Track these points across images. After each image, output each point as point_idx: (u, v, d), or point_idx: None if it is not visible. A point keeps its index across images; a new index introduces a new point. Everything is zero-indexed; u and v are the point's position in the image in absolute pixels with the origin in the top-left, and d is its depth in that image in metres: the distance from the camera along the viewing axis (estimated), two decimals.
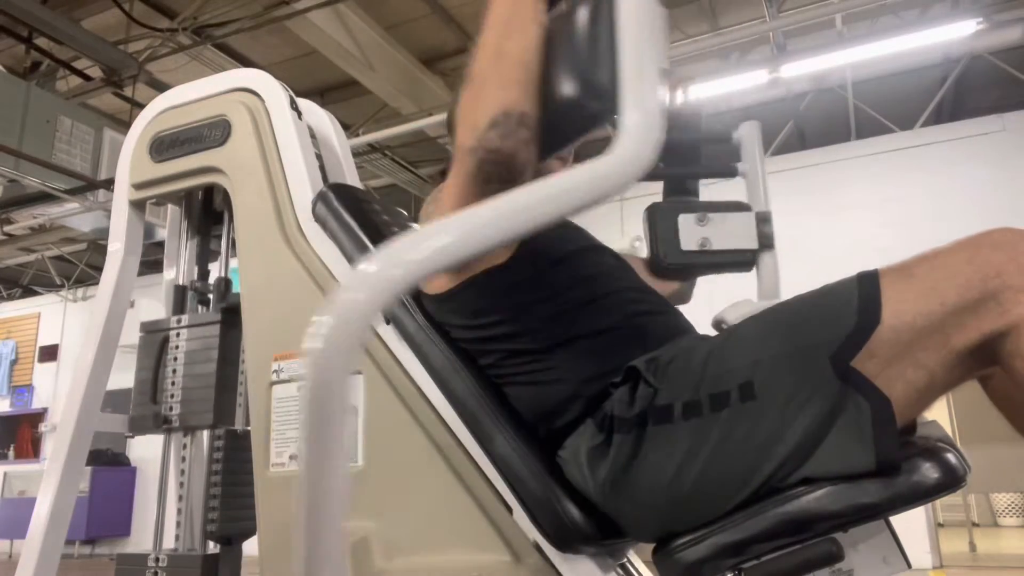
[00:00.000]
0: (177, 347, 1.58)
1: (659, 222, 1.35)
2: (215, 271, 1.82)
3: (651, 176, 1.29)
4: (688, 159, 1.47)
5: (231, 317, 1.51)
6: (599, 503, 0.99)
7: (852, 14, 4.75)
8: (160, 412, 1.55)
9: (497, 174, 0.89)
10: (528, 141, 0.88)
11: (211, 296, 1.67)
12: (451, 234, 0.70)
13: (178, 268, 1.73)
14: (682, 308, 1.29)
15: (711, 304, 1.27)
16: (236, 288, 1.57)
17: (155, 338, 1.60)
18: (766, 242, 1.36)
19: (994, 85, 5.63)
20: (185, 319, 1.60)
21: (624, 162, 0.71)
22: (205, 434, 1.58)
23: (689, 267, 1.35)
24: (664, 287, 1.41)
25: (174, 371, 1.56)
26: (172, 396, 1.55)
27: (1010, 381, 0.81)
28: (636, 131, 0.72)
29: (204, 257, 1.72)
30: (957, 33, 4.35)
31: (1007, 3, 4.48)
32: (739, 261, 1.35)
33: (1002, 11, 4.44)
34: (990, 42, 4.62)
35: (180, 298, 1.67)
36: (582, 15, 0.90)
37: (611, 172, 0.71)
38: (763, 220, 1.38)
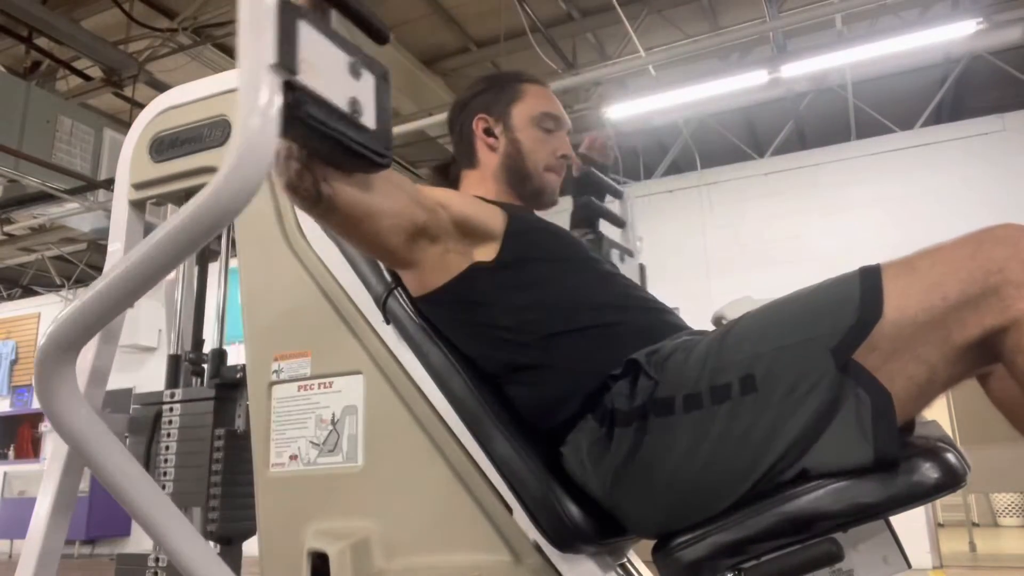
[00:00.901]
0: (171, 422, 1.56)
1: (601, 250, 1.62)
2: (214, 271, 1.82)
3: (577, 201, 1.69)
4: (599, 195, 1.74)
5: (225, 391, 1.51)
6: (601, 498, 0.99)
7: (852, 14, 4.75)
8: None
9: (301, 205, 0.89)
10: (300, 171, 0.84)
11: (205, 368, 1.65)
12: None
13: (174, 337, 1.71)
14: (682, 305, 1.29)
15: (711, 301, 1.27)
16: (232, 331, 1.58)
17: (149, 411, 1.59)
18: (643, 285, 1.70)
19: (994, 85, 5.63)
20: (179, 393, 1.59)
21: (234, 181, 0.66)
22: (196, 518, 1.57)
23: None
24: None
25: (167, 447, 1.55)
26: (165, 474, 1.54)
27: (1011, 377, 0.81)
28: (253, 135, 0.65)
29: (199, 325, 1.71)
30: (957, 33, 4.35)
31: (1007, 3, 4.48)
32: None
33: (1002, 11, 4.44)
34: (990, 42, 4.62)
35: (174, 369, 1.67)
36: None
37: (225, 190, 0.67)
38: (642, 271, 1.82)
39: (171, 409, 1.58)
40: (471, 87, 1.36)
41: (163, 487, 1.53)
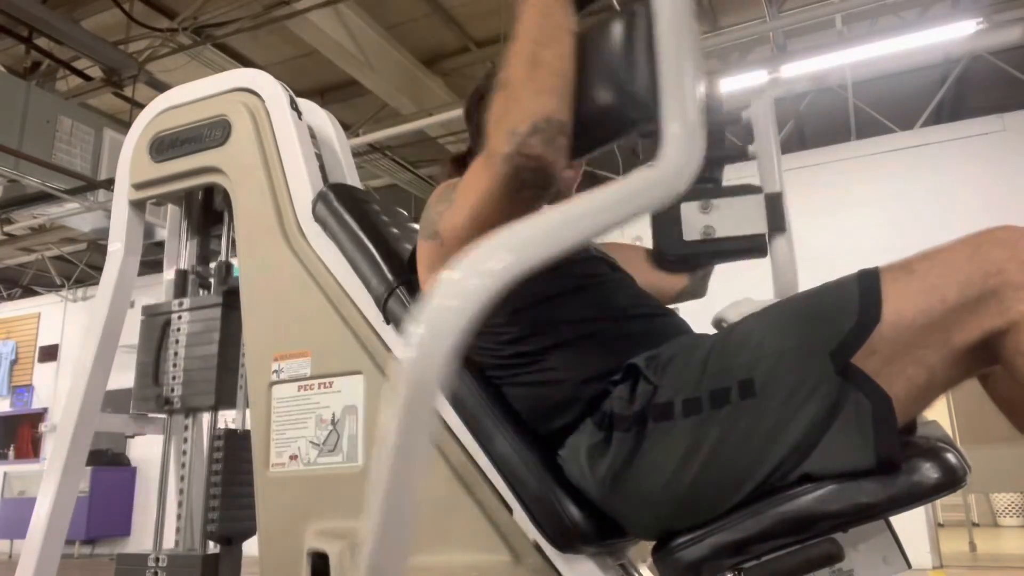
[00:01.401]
0: (179, 330, 1.60)
1: (660, 212, 1.26)
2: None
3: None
4: (711, 144, 1.43)
5: (232, 299, 1.52)
6: (599, 501, 0.99)
7: (852, 14, 4.75)
8: (162, 394, 1.57)
9: (533, 181, 0.87)
10: (565, 149, 0.87)
11: (212, 280, 1.68)
12: (524, 242, 0.71)
13: (179, 256, 1.73)
14: (681, 308, 1.29)
15: (711, 303, 1.27)
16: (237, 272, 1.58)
17: (157, 321, 1.62)
18: (776, 225, 1.28)
19: (994, 85, 5.62)
20: (187, 302, 1.61)
21: (670, 173, 0.73)
22: (206, 421, 1.60)
23: (693, 257, 1.26)
24: (673, 282, 1.41)
25: (176, 353, 1.58)
26: (174, 378, 1.57)
27: (1011, 379, 0.81)
28: (679, 142, 0.74)
29: (205, 247, 1.73)
30: (957, 33, 4.35)
31: (1007, 3, 4.48)
32: (748, 248, 1.24)
33: (1002, 11, 4.44)
34: (990, 42, 4.62)
35: (181, 282, 1.69)
36: (618, 25, 0.91)
37: (659, 182, 0.73)
38: (774, 202, 1.30)
39: (179, 317, 1.60)
40: (487, 76, 1.32)
41: (172, 391, 1.57)
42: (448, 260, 1.05)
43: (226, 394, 1.55)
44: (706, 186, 1.32)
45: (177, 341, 1.59)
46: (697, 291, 1.46)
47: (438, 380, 0.67)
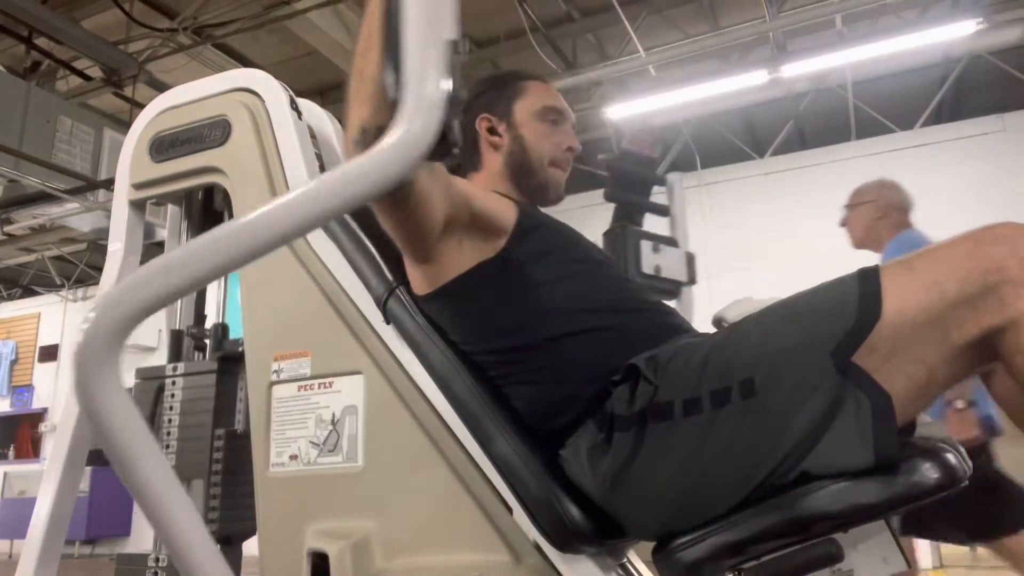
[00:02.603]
0: (173, 396, 1.56)
1: (627, 244, 1.53)
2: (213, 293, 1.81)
3: (610, 198, 1.62)
4: (639, 191, 1.66)
5: (228, 366, 1.51)
6: (600, 502, 0.99)
7: (852, 14, 4.75)
8: None
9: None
10: None
11: (207, 342, 1.64)
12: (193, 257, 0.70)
13: (174, 311, 1.71)
14: (682, 308, 1.29)
15: (711, 301, 1.27)
16: (233, 334, 1.58)
17: (151, 385, 1.59)
18: (692, 278, 1.65)
19: (994, 85, 5.63)
20: (181, 367, 1.58)
21: (399, 150, 0.71)
22: (199, 490, 1.56)
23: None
24: None
25: (169, 420, 1.55)
26: (168, 447, 1.53)
27: (1010, 377, 0.81)
28: (412, 116, 0.72)
29: (200, 301, 1.71)
30: (957, 33, 4.35)
31: (1007, 3, 4.49)
32: (672, 290, 1.60)
33: (1002, 11, 4.44)
34: (990, 42, 4.62)
35: (176, 344, 1.66)
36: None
37: (392, 154, 0.71)
38: (690, 260, 1.68)
39: (173, 383, 1.58)
40: (472, 89, 1.35)
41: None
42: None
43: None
44: (643, 229, 1.64)
45: (171, 408, 1.55)
46: None
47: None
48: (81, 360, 0.67)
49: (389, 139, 0.70)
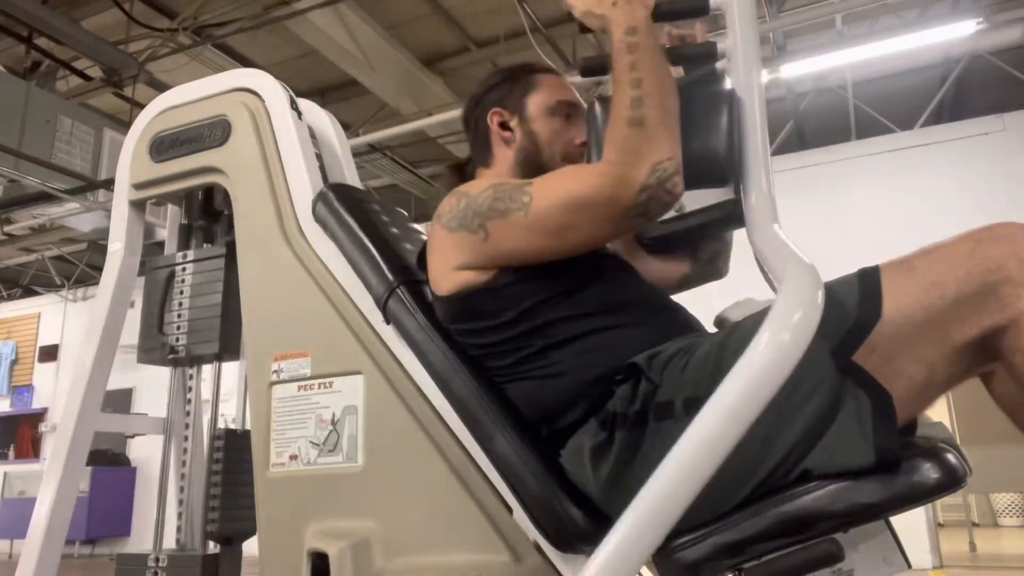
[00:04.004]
0: (183, 281, 1.61)
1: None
2: None
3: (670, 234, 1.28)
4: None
5: (235, 251, 1.52)
6: (600, 501, 0.99)
7: (852, 14, 4.75)
8: (167, 343, 1.58)
9: (656, 211, 0.99)
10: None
11: (216, 232, 1.70)
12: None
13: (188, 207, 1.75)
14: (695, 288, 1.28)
15: (711, 301, 1.27)
16: None
17: (161, 273, 1.64)
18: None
19: (994, 85, 5.62)
20: (190, 254, 1.63)
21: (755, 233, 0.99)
22: (209, 373, 1.60)
23: (669, 237, 1.23)
24: (673, 269, 1.39)
25: (180, 304, 1.60)
26: (179, 328, 1.59)
27: (1010, 376, 0.81)
28: (757, 209, 0.99)
29: (209, 197, 1.74)
30: (957, 33, 4.35)
31: (1007, 3, 4.48)
32: (720, 217, 1.15)
33: (1002, 11, 4.44)
34: (990, 42, 4.62)
35: (185, 235, 1.70)
36: (708, 89, 1.07)
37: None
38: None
39: (183, 269, 1.62)
40: (484, 81, 1.33)
41: (177, 340, 1.59)
42: (494, 255, 1.06)
43: (230, 343, 1.56)
44: None
45: (182, 292, 1.61)
46: (710, 273, 1.40)
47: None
48: None
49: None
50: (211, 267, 1.59)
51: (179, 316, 1.59)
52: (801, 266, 0.83)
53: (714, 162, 1.02)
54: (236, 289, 1.53)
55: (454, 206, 1.09)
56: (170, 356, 1.59)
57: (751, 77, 1.02)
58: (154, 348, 1.60)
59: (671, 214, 1.22)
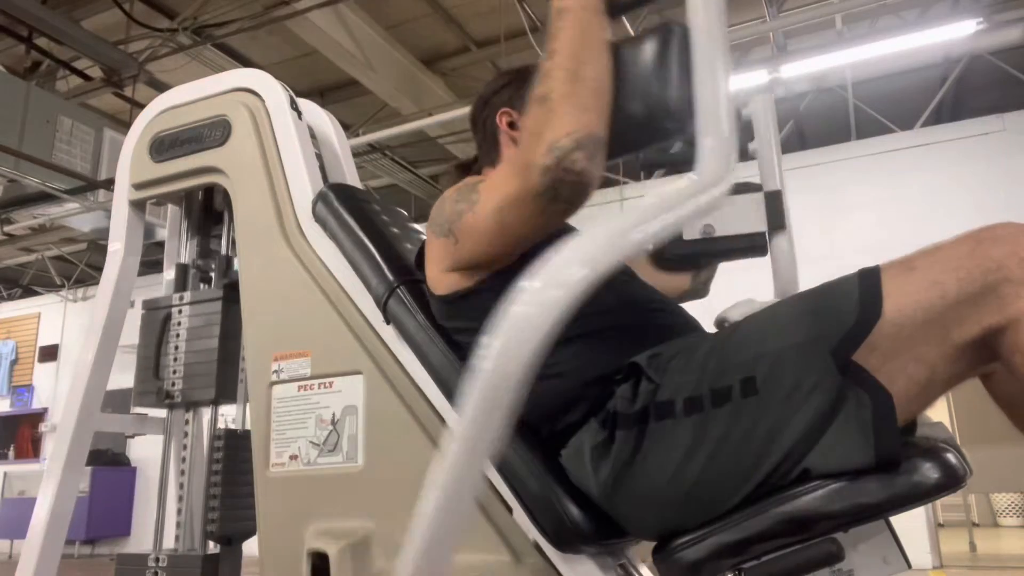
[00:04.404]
0: (179, 324, 1.60)
1: None
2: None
3: (664, 161, 1.28)
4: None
5: (233, 294, 1.52)
6: (601, 501, 0.99)
7: (852, 14, 4.75)
8: (163, 388, 1.57)
9: (569, 194, 0.90)
10: (603, 165, 0.91)
11: (213, 275, 1.68)
12: (593, 254, 0.72)
13: (180, 254, 1.74)
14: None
15: (711, 301, 1.27)
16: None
17: (157, 315, 1.63)
18: (776, 223, 1.26)
19: (994, 85, 5.63)
20: (187, 296, 1.62)
21: (707, 184, 0.76)
22: (206, 418, 1.60)
23: (694, 256, 1.28)
24: (675, 283, 1.40)
25: (176, 347, 1.58)
26: (175, 372, 1.57)
27: (1010, 376, 0.81)
28: (714, 155, 0.77)
29: (205, 244, 1.74)
30: (957, 33, 4.35)
31: (1007, 3, 4.48)
32: (748, 246, 1.25)
33: (1002, 11, 4.44)
34: (990, 42, 4.62)
35: (182, 276, 1.69)
36: (653, 42, 0.98)
37: (697, 194, 0.76)
38: (773, 200, 1.29)
39: (180, 311, 1.61)
40: (492, 82, 1.32)
41: (173, 384, 1.57)
42: (460, 260, 1.06)
43: (227, 388, 1.55)
44: None
45: (178, 335, 1.59)
46: (700, 292, 1.45)
47: (514, 389, 0.69)
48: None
49: (705, 172, 0.77)
50: (208, 310, 1.57)
51: (175, 360, 1.57)
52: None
53: (664, 115, 0.96)
54: (234, 332, 1.53)
55: (436, 211, 1.10)
56: (166, 401, 1.57)
57: (710, 12, 0.85)
58: (149, 392, 1.58)
59: (698, 235, 1.25)
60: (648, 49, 0.98)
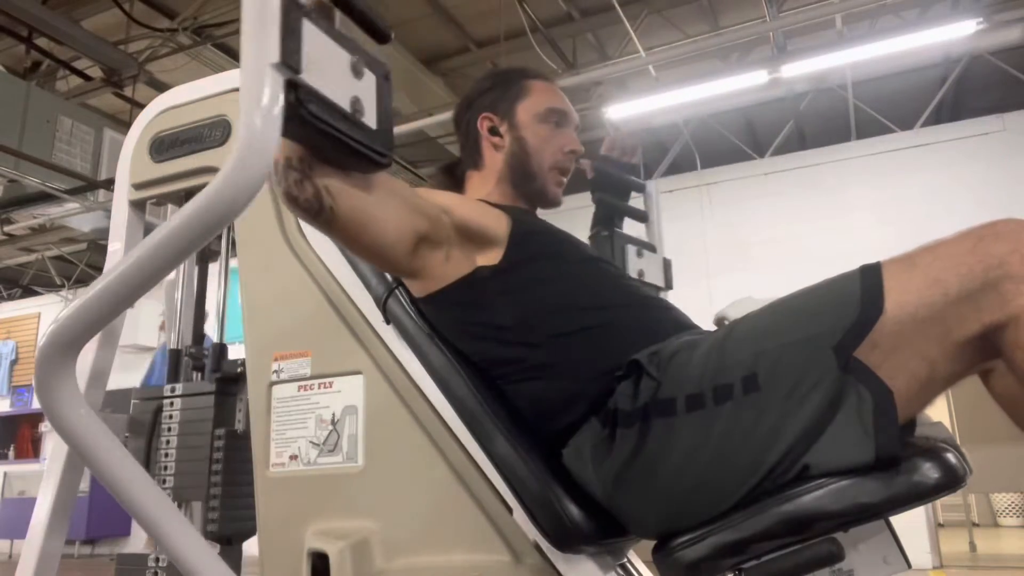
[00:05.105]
0: (171, 416, 1.56)
1: (614, 247, 1.60)
2: (214, 272, 1.82)
3: (597, 201, 1.65)
4: (619, 193, 1.69)
5: (226, 387, 1.50)
6: (602, 499, 0.99)
7: (852, 14, 4.75)
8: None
9: (303, 216, 0.88)
10: (300, 180, 0.84)
11: (206, 363, 1.65)
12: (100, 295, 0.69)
13: (174, 331, 1.72)
14: (682, 306, 1.29)
15: (711, 301, 1.27)
16: (233, 329, 1.56)
17: (149, 406, 1.58)
18: (669, 285, 1.70)
19: (994, 85, 5.63)
20: (179, 388, 1.58)
21: (236, 180, 0.67)
22: (197, 511, 1.57)
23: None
24: None
25: (168, 442, 1.54)
26: (165, 468, 1.53)
27: (1010, 374, 0.81)
28: (244, 153, 0.67)
29: (200, 321, 1.71)
30: (957, 33, 4.35)
31: (1007, 3, 4.48)
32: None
33: (1002, 11, 4.44)
34: (990, 42, 4.62)
35: (175, 364, 1.66)
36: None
37: (224, 191, 0.68)
38: (667, 265, 1.72)
39: (172, 404, 1.58)
40: (476, 85, 1.34)
41: (163, 482, 1.53)
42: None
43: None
44: (623, 232, 1.69)
45: (169, 429, 1.55)
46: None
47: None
48: (40, 372, 0.68)
49: (217, 179, 0.67)
50: (201, 404, 1.54)
51: (166, 456, 1.54)
52: None
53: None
54: (227, 425, 1.50)
55: None
56: None
57: None
58: None
59: (635, 275, 1.61)
60: None
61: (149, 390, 1.61)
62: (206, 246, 1.66)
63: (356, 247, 0.96)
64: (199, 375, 1.65)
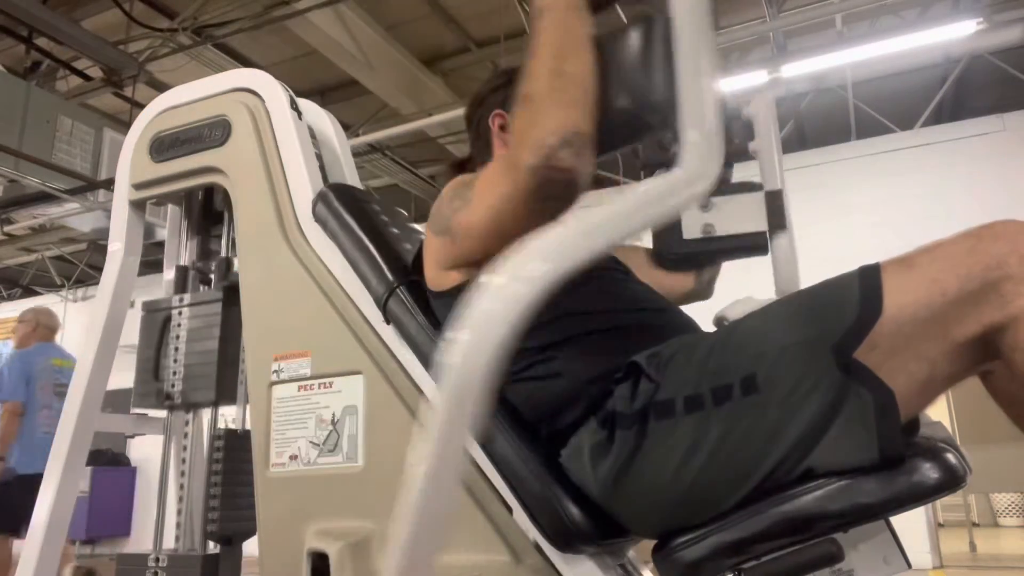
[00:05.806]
0: (179, 325, 1.60)
1: None
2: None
3: (665, 160, 1.23)
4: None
5: (233, 296, 1.52)
6: (601, 500, 0.99)
7: (852, 14, 4.75)
8: (163, 389, 1.57)
9: (559, 192, 0.90)
10: (591, 160, 0.90)
11: (213, 276, 1.68)
12: (559, 249, 0.72)
13: (179, 254, 1.74)
14: (683, 307, 1.28)
15: (711, 301, 1.27)
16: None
17: (157, 317, 1.63)
18: (777, 223, 1.27)
19: (994, 85, 5.63)
20: (187, 298, 1.62)
21: (690, 179, 0.74)
22: (206, 419, 1.60)
23: (694, 256, 1.28)
24: (677, 283, 1.41)
25: (176, 349, 1.59)
26: (175, 374, 1.57)
27: (1010, 374, 0.81)
28: (698, 149, 0.74)
29: (205, 244, 1.74)
30: (957, 33, 4.35)
31: (1007, 3, 4.49)
32: (749, 246, 1.26)
33: (1002, 11, 4.44)
34: (990, 42, 4.62)
35: (182, 278, 1.69)
36: (635, 35, 0.96)
37: (680, 188, 0.74)
38: (774, 199, 1.29)
39: (180, 313, 1.61)
40: (488, 82, 1.32)
41: (173, 386, 1.57)
42: (459, 258, 1.06)
43: (227, 389, 1.55)
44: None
45: (178, 337, 1.59)
46: (703, 293, 1.45)
47: (482, 385, 0.68)
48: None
49: (688, 166, 0.74)
50: (208, 311, 1.57)
51: (175, 362, 1.57)
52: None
53: (648, 109, 0.95)
54: (233, 333, 1.53)
55: (435, 209, 1.11)
56: (166, 402, 1.57)
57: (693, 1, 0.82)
58: (149, 394, 1.59)
59: (698, 234, 1.25)
60: (631, 42, 0.97)
61: (157, 302, 1.65)
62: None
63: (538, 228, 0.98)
64: (206, 289, 1.69)
